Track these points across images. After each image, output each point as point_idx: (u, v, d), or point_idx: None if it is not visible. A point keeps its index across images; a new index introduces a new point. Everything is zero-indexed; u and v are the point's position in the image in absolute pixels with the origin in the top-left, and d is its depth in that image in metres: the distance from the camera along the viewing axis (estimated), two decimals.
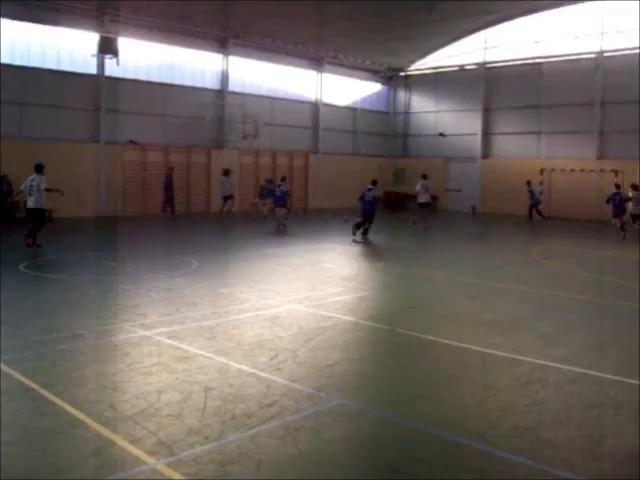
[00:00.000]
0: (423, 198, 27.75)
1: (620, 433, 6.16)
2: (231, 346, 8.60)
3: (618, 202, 25.26)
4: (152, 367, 7.59)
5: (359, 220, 21.83)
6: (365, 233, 21.83)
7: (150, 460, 5.23)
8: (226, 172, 28.13)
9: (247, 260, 16.70)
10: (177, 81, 31.18)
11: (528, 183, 31.51)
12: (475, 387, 7.42)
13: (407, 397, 7.06)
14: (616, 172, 31.69)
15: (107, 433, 5.72)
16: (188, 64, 31.78)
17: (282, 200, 24.61)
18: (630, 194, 25.07)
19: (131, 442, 5.53)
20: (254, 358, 8.08)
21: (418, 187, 27.77)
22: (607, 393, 7.27)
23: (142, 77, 29.73)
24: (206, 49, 32.23)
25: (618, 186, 26.55)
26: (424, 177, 28.01)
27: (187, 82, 31.67)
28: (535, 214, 31.25)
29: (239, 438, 5.71)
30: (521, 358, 8.43)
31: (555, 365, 8.17)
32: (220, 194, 28.39)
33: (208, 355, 8.14)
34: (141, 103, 29.29)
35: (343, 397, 6.81)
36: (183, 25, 29.77)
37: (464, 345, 8.97)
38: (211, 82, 32.85)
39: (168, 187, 29.09)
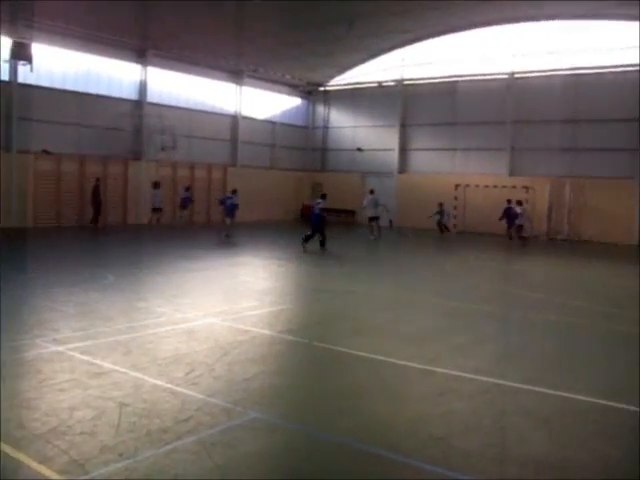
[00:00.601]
0: (370, 212, 29.04)
1: (529, 440, 6.37)
2: (146, 361, 8.45)
3: (511, 215, 29.14)
4: (65, 383, 7.39)
5: (308, 233, 22.77)
6: (322, 245, 22.91)
7: None
8: (156, 185, 29.03)
9: (165, 274, 16.50)
10: (93, 90, 30.49)
11: (440, 205, 32.46)
12: (390, 398, 7.53)
13: (323, 410, 7.11)
14: (527, 188, 32.86)
15: (15, 453, 5.52)
16: (105, 73, 31.15)
17: (231, 211, 26.60)
18: (518, 209, 28.71)
19: (41, 462, 5.36)
20: (170, 373, 7.98)
21: (365, 202, 29.25)
22: (517, 402, 7.52)
23: (57, 85, 28.93)
24: (124, 59, 31.69)
25: (510, 201, 30.14)
26: (371, 192, 29.79)
27: (104, 91, 31.01)
28: (444, 229, 32.45)
29: (154, 454, 5.63)
30: (436, 369, 8.62)
31: (468, 376, 8.38)
32: (150, 206, 28.91)
33: (123, 370, 7.99)
34: (56, 112, 28.47)
35: (259, 411, 6.80)
36: (100, 33, 29.20)
37: (380, 357, 9.09)
38: (129, 92, 32.32)
39: (96, 198, 28.97)
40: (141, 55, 32.22)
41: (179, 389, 7.38)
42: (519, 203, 29.32)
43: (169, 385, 7.50)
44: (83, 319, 10.79)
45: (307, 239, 22.59)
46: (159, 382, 7.61)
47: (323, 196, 24.48)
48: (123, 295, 13.19)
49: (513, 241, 28.98)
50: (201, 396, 7.16)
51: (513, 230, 29.30)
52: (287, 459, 5.78)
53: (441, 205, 32.67)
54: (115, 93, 31.61)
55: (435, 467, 5.62)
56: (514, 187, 33.14)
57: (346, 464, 5.72)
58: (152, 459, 5.53)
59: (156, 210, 28.86)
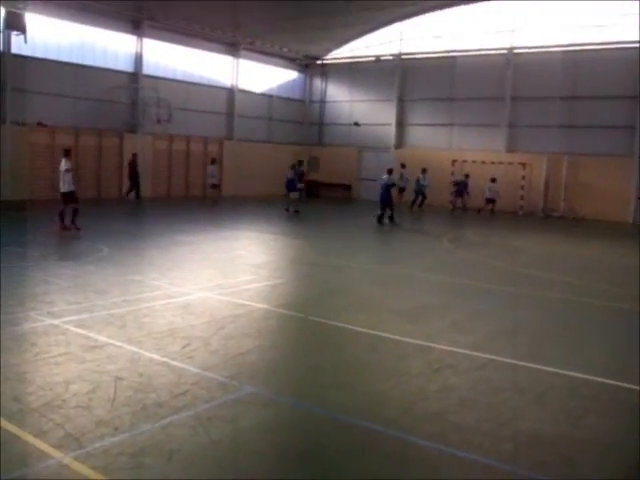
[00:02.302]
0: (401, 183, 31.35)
1: (523, 416, 6.39)
2: (142, 334, 8.44)
3: (463, 187, 31.92)
4: (60, 357, 7.37)
5: (378, 212, 24.21)
6: (392, 219, 23.89)
7: (57, 454, 5.08)
8: (213, 161, 30.46)
9: (160, 247, 16.44)
10: (89, 62, 30.17)
11: (424, 171, 32.59)
12: (387, 374, 7.54)
13: (319, 384, 7.11)
14: (524, 165, 32.75)
15: (10, 427, 5.50)
16: (101, 45, 30.80)
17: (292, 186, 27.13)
18: (489, 184, 31.00)
19: (36, 436, 5.35)
20: (166, 347, 7.97)
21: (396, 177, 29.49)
22: (512, 378, 7.53)
23: (52, 56, 28.55)
24: (120, 30, 31.27)
25: (467, 175, 32.51)
26: (402, 166, 32.40)
27: (99, 63, 30.67)
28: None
29: (150, 429, 5.63)
30: (432, 345, 8.63)
31: (465, 352, 8.39)
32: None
33: (118, 344, 7.97)
34: (50, 83, 28.18)
35: (255, 385, 6.80)
36: (96, 3, 28.84)
37: (377, 333, 9.10)
38: (125, 64, 31.96)
39: (133, 172, 29.48)
40: (137, 26, 31.83)
41: (175, 363, 7.37)
42: (493, 180, 31.00)
43: (165, 359, 7.49)
44: (77, 292, 10.77)
45: (381, 218, 23.87)
46: (155, 356, 7.60)
47: (390, 171, 25.06)
48: (118, 268, 13.11)
49: (480, 214, 30.66)
50: (197, 370, 7.16)
51: (461, 202, 32.03)
52: (283, 434, 5.77)
53: (424, 171, 32.62)
54: (111, 65, 31.26)
55: (431, 443, 5.64)
56: (511, 163, 33.04)
57: (342, 439, 5.72)
58: (148, 433, 5.53)
59: (214, 187, 29.99)
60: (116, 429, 5.56)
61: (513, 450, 5.63)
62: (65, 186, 17.94)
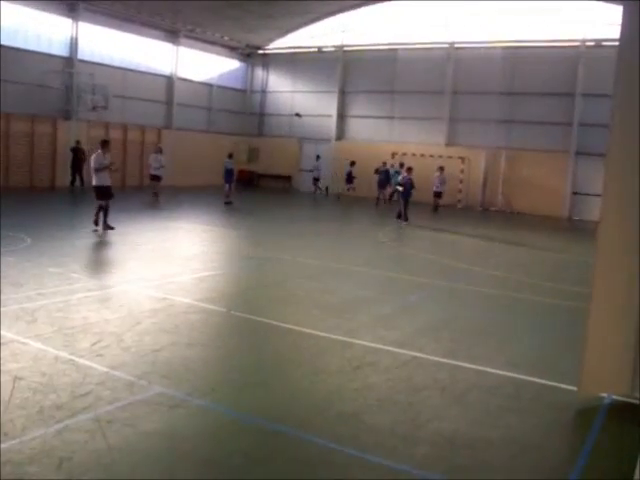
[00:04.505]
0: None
1: (442, 416, 6.21)
2: (52, 330, 7.98)
3: (384, 177, 31.11)
4: None
5: (399, 209, 23.83)
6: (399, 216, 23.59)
7: None
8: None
9: (85, 238, 15.86)
10: (20, 45, 29.08)
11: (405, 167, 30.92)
12: (305, 372, 7.29)
13: (234, 384, 6.81)
14: (463, 159, 32.97)
15: None
16: (33, 27, 29.73)
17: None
18: (436, 174, 29.26)
19: None
20: (75, 343, 7.55)
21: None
22: (435, 376, 7.35)
23: None
24: (54, 12, 30.23)
25: (385, 163, 32.31)
26: (400, 165, 29.93)
27: (32, 47, 29.63)
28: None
29: (43, 434, 5.23)
30: (355, 341, 8.41)
31: (388, 348, 8.20)
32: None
33: (24, 341, 7.51)
34: None
35: (165, 385, 6.45)
36: None
37: (300, 328, 8.84)
38: (59, 48, 30.93)
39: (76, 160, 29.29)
40: (72, 9, 30.84)
41: (82, 361, 6.97)
42: (441, 169, 29.58)
43: (72, 357, 7.08)
44: None
45: (401, 215, 23.42)
46: (62, 353, 7.18)
47: (409, 169, 24.64)
48: (38, 259, 12.51)
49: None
50: (105, 369, 6.77)
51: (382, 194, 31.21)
52: (187, 439, 5.41)
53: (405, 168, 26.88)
54: (44, 49, 30.19)
55: (342, 446, 5.39)
56: (450, 157, 33.20)
57: (250, 443, 5.42)
58: (40, 439, 5.14)
59: (155, 178, 26.27)
60: (5, 434, 5.15)
61: (427, 454, 5.43)
62: None
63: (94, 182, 16.78)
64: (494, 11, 32.52)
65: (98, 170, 16.53)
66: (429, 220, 26.27)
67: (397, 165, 31.46)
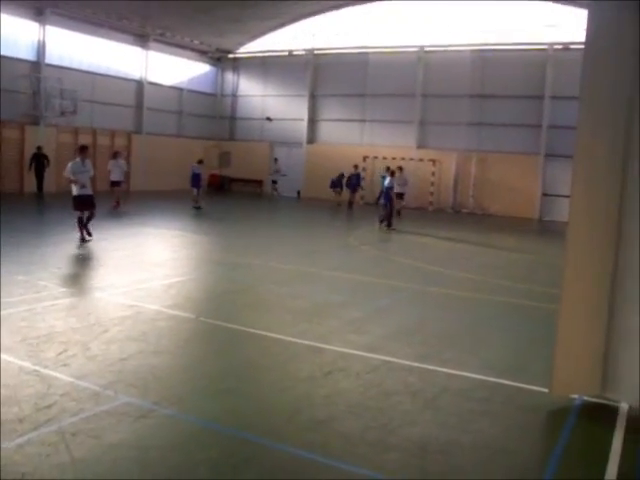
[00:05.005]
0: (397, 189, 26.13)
1: (413, 422, 6.15)
2: (16, 340, 7.79)
3: (355, 181, 31.45)
4: None
5: (381, 213, 23.46)
6: (387, 221, 23.15)
7: None
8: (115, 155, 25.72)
9: (55, 244, 15.61)
10: None
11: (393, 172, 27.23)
12: (275, 378, 7.20)
13: (202, 392, 6.69)
14: (434, 161, 33.09)
15: None
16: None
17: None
18: (397, 174, 26.34)
19: None
20: (40, 353, 7.38)
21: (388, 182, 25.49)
22: (406, 380, 7.29)
23: None
24: (20, 16, 29.79)
25: (356, 166, 32.17)
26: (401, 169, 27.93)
27: None
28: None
29: (4, 449, 5.05)
30: (326, 346, 8.33)
31: (359, 353, 8.13)
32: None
33: None
34: None
35: (132, 394, 6.32)
36: None
37: (270, 334, 8.73)
38: (26, 52, 30.48)
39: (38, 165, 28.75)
40: (39, 13, 30.42)
41: (47, 371, 6.81)
42: (400, 169, 27.65)
43: (37, 367, 6.91)
44: None
45: (385, 219, 23.03)
46: (26, 364, 7.00)
47: (392, 173, 24.01)
48: (6, 267, 12.26)
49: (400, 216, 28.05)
50: (70, 379, 6.62)
51: (353, 197, 31.30)
52: (153, 450, 5.29)
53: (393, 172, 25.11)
54: (10, 53, 29.69)
55: (311, 454, 5.31)
56: (421, 160, 33.32)
57: (218, 453, 5.32)
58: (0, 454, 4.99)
59: (115, 184, 24.56)
60: None
61: (399, 460, 5.36)
62: None
63: (73, 191, 15.63)
64: (463, 14, 32.71)
65: (73, 179, 15.51)
66: (399, 224, 26.24)
67: (384, 170, 28.23)
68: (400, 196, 27.85)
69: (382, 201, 24.06)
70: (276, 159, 35.84)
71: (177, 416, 5.99)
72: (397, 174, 26.81)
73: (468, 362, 8.11)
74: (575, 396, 6.98)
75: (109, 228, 19.40)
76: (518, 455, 5.67)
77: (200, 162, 27.27)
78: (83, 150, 16.16)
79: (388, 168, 25.86)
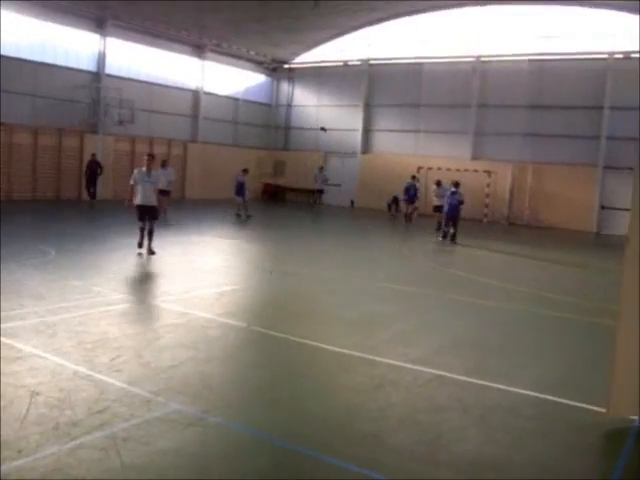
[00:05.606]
0: (436, 201, 25.38)
1: (464, 438, 6.03)
2: (71, 345, 7.94)
3: (413, 192, 29.16)
4: None
5: (444, 228, 22.84)
6: (453, 238, 22.30)
7: None
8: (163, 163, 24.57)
9: (109, 251, 15.90)
10: (49, 60, 29.50)
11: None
12: (326, 390, 7.16)
13: (251, 402, 6.69)
14: (489, 172, 32.70)
15: None
16: (62, 43, 30.12)
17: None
18: (434, 187, 26.36)
19: None
20: (94, 358, 7.49)
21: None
22: (456, 395, 7.17)
23: (11, 53, 27.83)
24: (83, 28, 30.66)
25: (414, 177, 30.25)
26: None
27: (61, 62, 30.05)
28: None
29: (57, 451, 5.14)
30: (376, 358, 8.25)
31: (410, 366, 8.03)
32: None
33: (43, 355, 7.47)
34: (9, 81, 27.39)
35: (182, 402, 6.35)
36: (59, 0, 28.23)
37: (320, 345, 8.70)
38: (87, 63, 31.37)
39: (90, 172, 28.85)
40: (100, 25, 31.23)
41: (100, 376, 6.90)
42: (455, 184, 24.97)
43: (90, 372, 7.02)
44: (12, 298, 10.16)
45: (447, 234, 22.61)
46: (80, 368, 7.12)
47: (457, 184, 22.89)
48: (60, 272, 12.55)
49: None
50: (122, 385, 6.70)
51: (411, 208, 29.47)
52: (201, 458, 5.31)
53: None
54: (72, 64, 30.62)
55: (361, 468, 5.24)
56: (476, 171, 32.97)
57: (266, 464, 5.30)
58: (54, 457, 5.05)
59: (163, 193, 20.87)
60: (19, 452, 5.08)
61: (449, 477, 5.26)
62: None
63: (137, 201, 15.14)
64: (520, 24, 32.32)
65: (132, 185, 15.17)
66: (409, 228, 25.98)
67: (450, 184, 25.28)
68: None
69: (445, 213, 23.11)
70: (321, 167, 35.17)
71: (226, 425, 6.00)
72: (434, 186, 26.41)
73: (520, 378, 7.93)
74: (635, 417, 6.75)
75: (165, 236, 19.67)
76: (573, 476, 5.51)
77: (245, 171, 27.41)
78: (150, 159, 15.52)
79: (457, 184, 23.66)
